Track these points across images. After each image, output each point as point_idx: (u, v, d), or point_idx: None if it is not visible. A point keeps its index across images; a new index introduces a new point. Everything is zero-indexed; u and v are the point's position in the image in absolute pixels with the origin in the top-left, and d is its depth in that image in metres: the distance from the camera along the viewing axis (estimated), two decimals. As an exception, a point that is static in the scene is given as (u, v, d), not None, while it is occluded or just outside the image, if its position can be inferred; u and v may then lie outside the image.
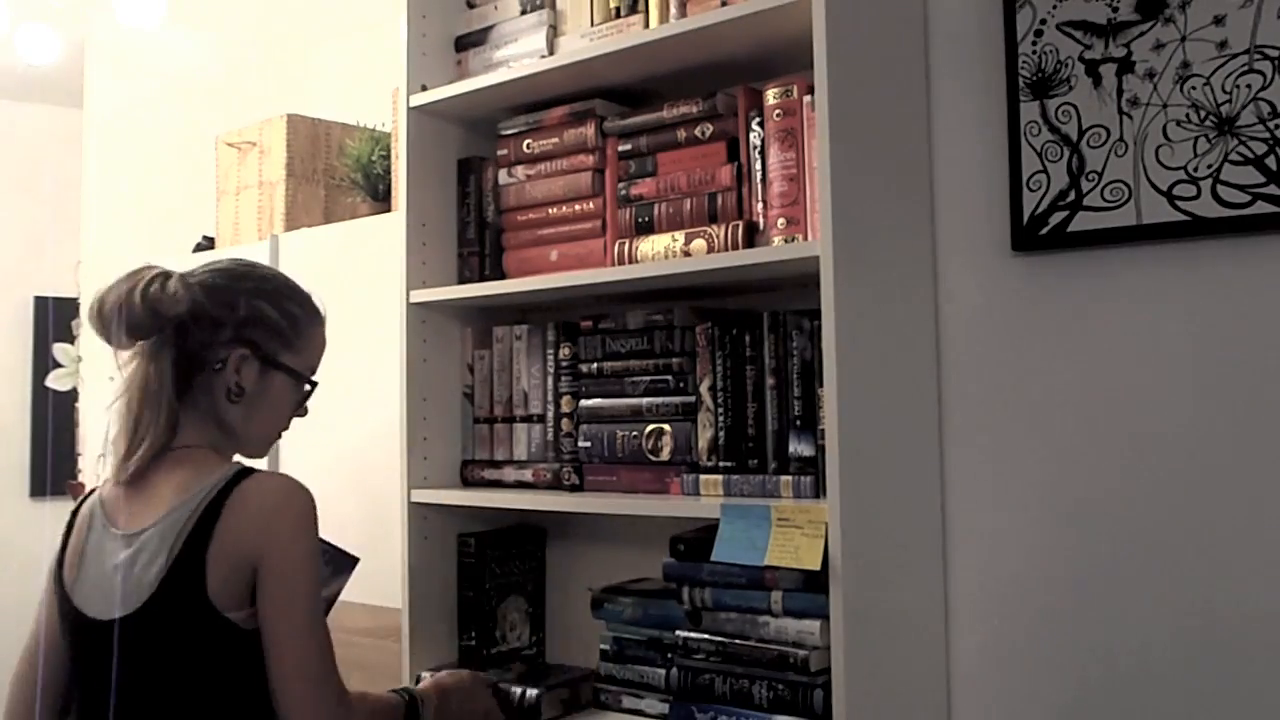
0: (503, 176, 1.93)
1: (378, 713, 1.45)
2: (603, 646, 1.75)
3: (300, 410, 1.52)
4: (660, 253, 1.68)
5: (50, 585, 1.43)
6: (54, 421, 4.32)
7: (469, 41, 1.98)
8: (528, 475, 1.86)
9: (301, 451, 2.33)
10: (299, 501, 1.34)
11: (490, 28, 1.95)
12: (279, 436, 1.53)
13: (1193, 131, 1.43)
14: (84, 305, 3.54)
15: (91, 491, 1.48)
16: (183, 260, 2.77)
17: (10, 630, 4.33)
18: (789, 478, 1.57)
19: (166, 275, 1.40)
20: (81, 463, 3.50)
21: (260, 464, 1.44)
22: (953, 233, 1.63)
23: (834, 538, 1.38)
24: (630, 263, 1.71)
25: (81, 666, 1.38)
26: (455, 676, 1.64)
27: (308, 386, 1.51)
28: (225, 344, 1.42)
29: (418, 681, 1.73)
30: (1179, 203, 1.43)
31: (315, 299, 1.54)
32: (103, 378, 3.29)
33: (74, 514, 1.46)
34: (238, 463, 1.41)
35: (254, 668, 1.30)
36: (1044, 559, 1.54)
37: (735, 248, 1.60)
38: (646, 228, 1.72)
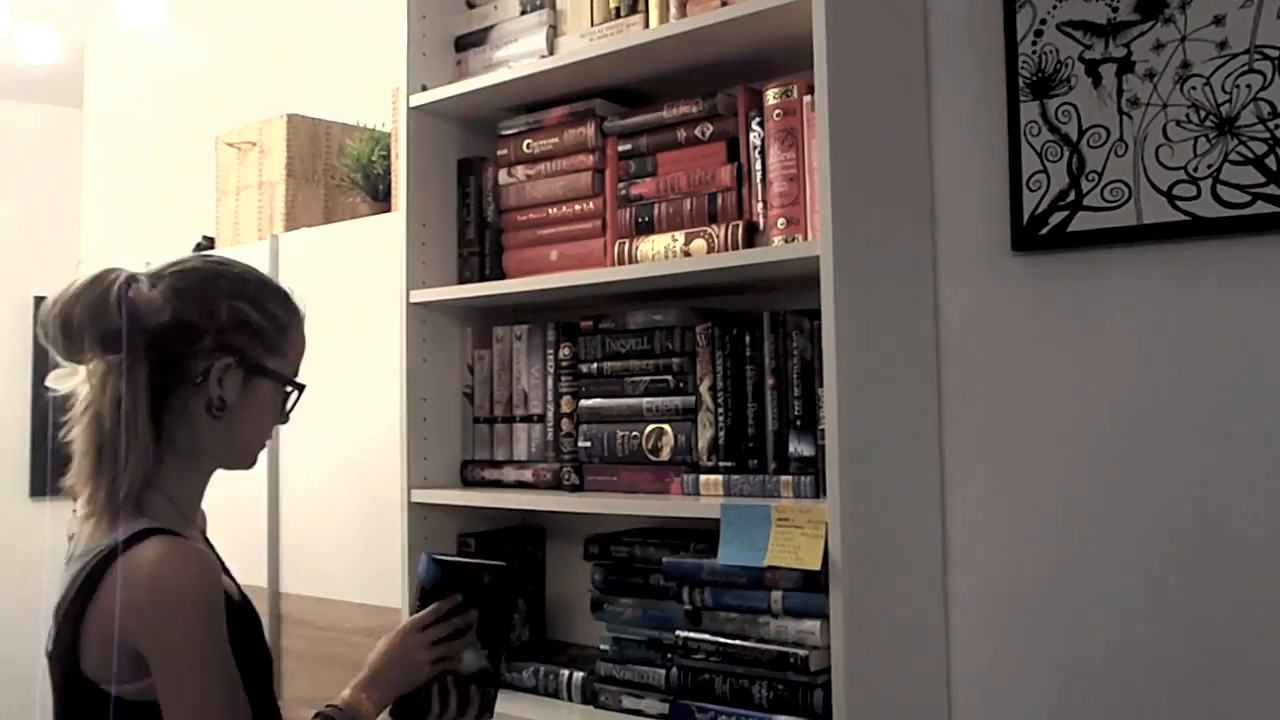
0: (503, 176, 1.93)
1: None
2: (602, 646, 1.75)
3: (283, 417, 1.38)
4: (660, 253, 1.68)
5: None
6: (54, 421, 4.31)
7: (469, 41, 1.98)
8: (528, 475, 1.86)
9: (302, 452, 2.34)
10: (173, 586, 1.17)
11: (490, 28, 1.95)
12: (264, 447, 1.40)
13: (1193, 131, 1.43)
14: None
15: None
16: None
17: (10, 630, 4.35)
18: (789, 478, 1.57)
19: (134, 278, 1.27)
20: (81, 463, 3.50)
21: (261, 465, 1.41)
22: (953, 233, 1.63)
23: (834, 538, 1.38)
24: (630, 263, 1.71)
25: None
26: (385, 645, 1.41)
27: (293, 391, 1.37)
28: (206, 353, 1.28)
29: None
30: (1179, 203, 1.43)
31: (294, 295, 1.40)
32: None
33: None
34: (137, 525, 1.22)
35: None
36: (1044, 558, 1.54)
37: (735, 248, 1.60)
38: (646, 228, 1.72)
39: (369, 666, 1.39)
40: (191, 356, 1.27)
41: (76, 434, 1.27)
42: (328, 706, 1.33)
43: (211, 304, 1.30)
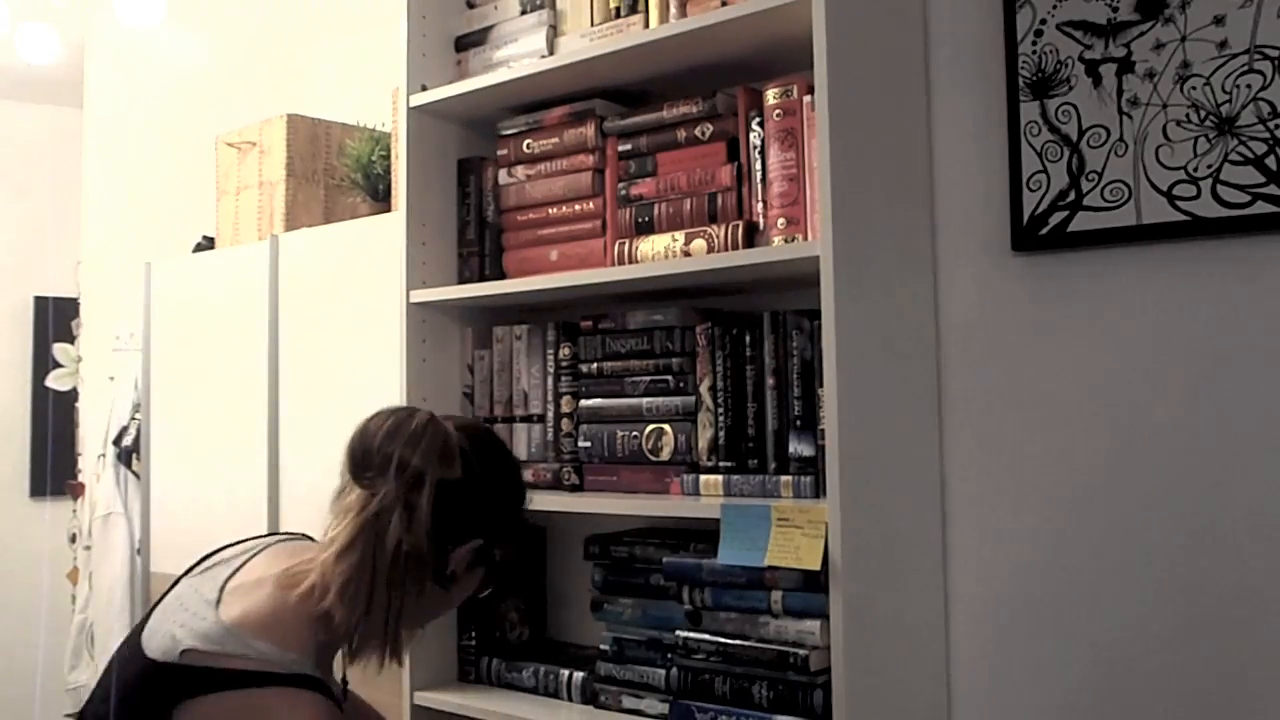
0: (503, 176, 1.93)
1: None
2: (602, 647, 1.75)
3: (466, 604, 1.42)
4: (660, 253, 1.68)
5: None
6: (54, 421, 4.32)
7: (469, 41, 1.98)
8: (528, 475, 1.86)
9: (302, 451, 2.33)
10: None
11: (490, 28, 1.95)
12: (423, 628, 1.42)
13: (1193, 131, 1.43)
14: (84, 307, 3.55)
15: (278, 540, 1.40)
16: (183, 260, 2.78)
17: (11, 630, 4.34)
18: (789, 478, 1.57)
19: (451, 431, 1.31)
20: (81, 463, 3.50)
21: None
22: (953, 233, 1.63)
23: (834, 538, 1.38)
24: (630, 263, 1.71)
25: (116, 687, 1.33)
26: None
27: (489, 589, 1.40)
28: (471, 525, 1.32)
29: None
30: (1179, 203, 1.43)
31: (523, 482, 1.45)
32: (103, 378, 3.30)
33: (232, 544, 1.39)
34: (301, 667, 1.23)
35: None
36: (1044, 558, 1.54)
37: (735, 248, 1.60)
38: (646, 228, 1.72)
39: None
40: (466, 524, 1.32)
41: (345, 563, 1.26)
42: None
43: (496, 484, 1.35)
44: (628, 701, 1.70)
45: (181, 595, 1.32)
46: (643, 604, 1.72)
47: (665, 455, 1.70)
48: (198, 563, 1.38)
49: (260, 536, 1.42)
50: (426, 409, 1.34)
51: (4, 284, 4.55)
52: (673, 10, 1.69)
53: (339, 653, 1.34)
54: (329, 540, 1.29)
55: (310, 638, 1.26)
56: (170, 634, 1.25)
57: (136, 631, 1.31)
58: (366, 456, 1.29)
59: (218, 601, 1.27)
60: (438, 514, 1.27)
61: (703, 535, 1.66)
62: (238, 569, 1.33)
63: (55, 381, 4.24)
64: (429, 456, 1.27)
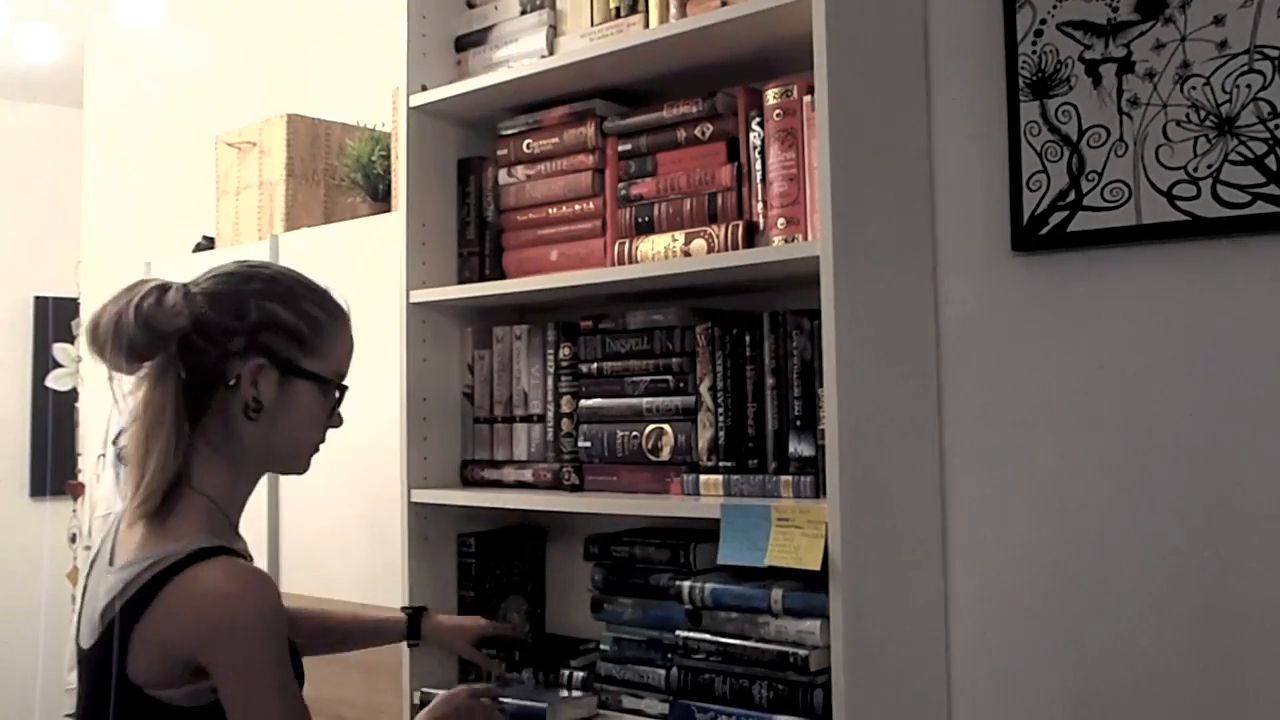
0: (503, 176, 1.93)
1: None
2: (603, 647, 1.75)
3: (334, 419, 1.39)
4: (660, 253, 1.68)
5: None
6: (54, 421, 4.31)
7: (469, 41, 1.98)
8: (528, 475, 1.86)
9: (301, 451, 2.33)
10: (245, 613, 1.19)
11: (490, 28, 1.95)
12: (316, 449, 1.39)
13: (1193, 131, 1.43)
14: (84, 307, 3.54)
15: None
16: (183, 260, 2.78)
17: (11, 629, 4.33)
18: (789, 478, 1.57)
19: (164, 288, 1.27)
20: (81, 463, 3.50)
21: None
22: (953, 233, 1.63)
23: (834, 538, 1.38)
24: (630, 263, 1.71)
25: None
26: (446, 703, 1.52)
27: (337, 392, 1.37)
28: (237, 355, 1.28)
29: (421, 705, 1.70)
30: (1179, 203, 1.43)
31: (335, 295, 1.40)
32: (102, 378, 3.30)
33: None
34: (196, 543, 1.23)
35: None
36: (1044, 558, 1.54)
37: (735, 248, 1.60)
38: (646, 228, 1.72)
39: (432, 711, 1.50)
40: (223, 359, 1.28)
41: (126, 444, 1.29)
42: None
43: (240, 305, 1.30)
44: (628, 701, 1.70)
45: (89, 589, 1.33)
46: (643, 604, 1.72)
47: (665, 455, 1.70)
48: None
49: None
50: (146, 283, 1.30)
51: (4, 284, 4.55)
52: (673, 10, 1.69)
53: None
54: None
55: (189, 522, 1.26)
56: (91, 617, 1.26)
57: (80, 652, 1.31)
58: (96, 351, 1.29)
59: (112, 561, 1.29)
60: (169, 370, 1.27)
61: (703, 535, 1.66)
62: (114, 545, 1.33)
63: (55, 381, 4.24)
64: (116, 326, 1.25)
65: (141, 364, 1.27)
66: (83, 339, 1.30)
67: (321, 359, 1.35)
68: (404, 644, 1.81)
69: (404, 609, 1.76)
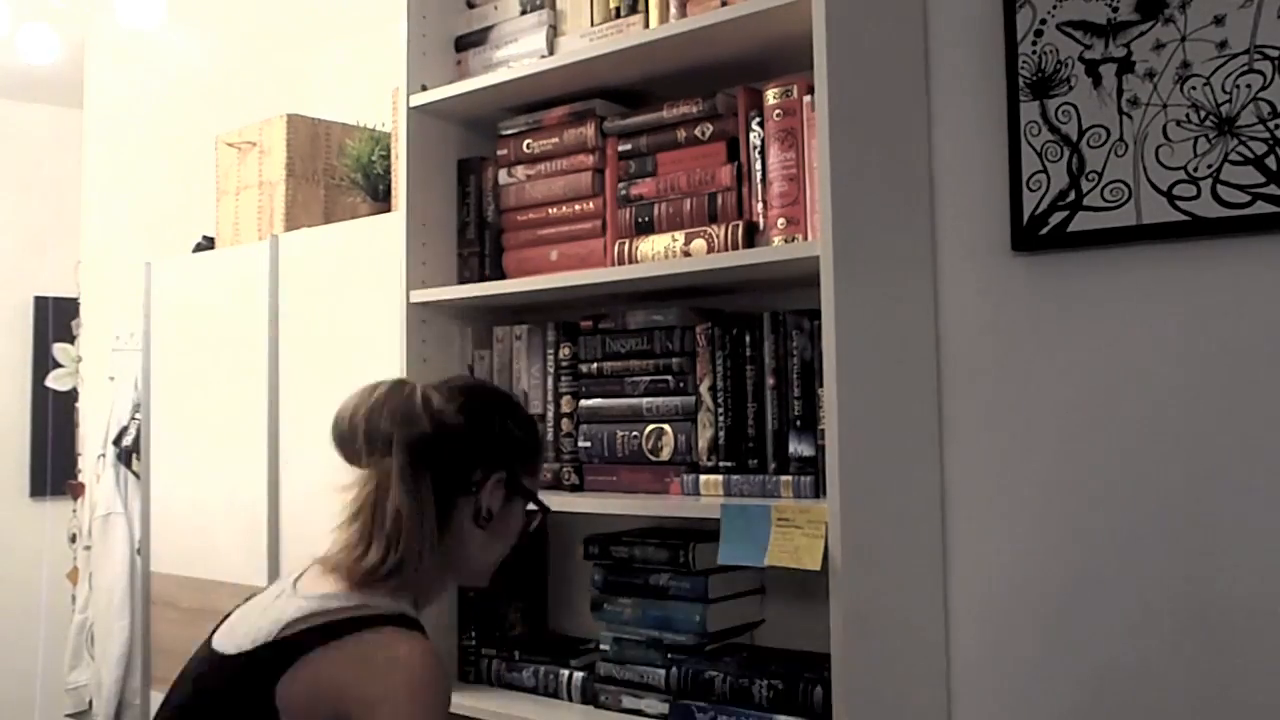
0: (503, 176, 1.93)
1: None
2: (602, 647, 1.75)
3: (525, 537, 1.45)
4: (660, 253, 1.68)
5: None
6: (54, 421, 4.32)
7: (469, 41, 1.98)
8: (528, 475, 1.86)
9: (302, 451, 2.33)
10: (420, 688, 1.21)
11: (490, 28, 1.95)
12: (498, 565, 1.45)
13: (1193, 131, 1.43)
14: (84, 307, 3.54)
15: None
16: (183, 260, 2.78)
17: (11, 630, 4.33)
18: (789, 478, 1.57)
19: (427, 390, 1.36)
20: (81, 463, 3.50)
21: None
22: (953, 233, 1.63)
23: (834, 538, 1.38)
24: (630, 263, 1.71)
25: (180, 685, 1.34)
26: None
27: (538, 512, 1.45)
28: (484, 466, 1.37)
29: None
30: (1179, 203, 1.43)
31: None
32: (103, 378, 3.30)
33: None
34: (401, 609, 1.29)
35: None
36: (1044, 558, 1.54)
37: (735, 248, 1.60)
38: (646, 228, 1.72)
39: None
40: (471, 468, 1.36)
41: (345, 534, 1.32)
42: None
43: (492, 421, 1.40)
44: (627, 701, 1.70)
45: (250, 607, 1.33)
46: (643, 604, 1.72)
47: (665, 455, 1.70)
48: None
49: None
50: (395, 377, 1.40)
51: (4, 284, 4.55)
52: (673, 10, 1.69)
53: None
54: (339, 528, 1.34)
55: (394, 596, 1.31)
56: (257, 626, 1.26)
57: (203, 655, 1.31)
58: (343, 438, 1.35)
59: (296, 589, 1.31)
60: (430, 467, 1.32)
61: (703, 535, 1.66)
62: (296, 578, 1.35)
63: (55, 381, 4.24)
64: (394, 420, 1.32)
65: (393, 458, 1.31)
66: (341, 426, 1.36)
67: (534, 479, 1.46)
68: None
69: None
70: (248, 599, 1.38)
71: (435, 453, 1.33)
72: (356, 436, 1.34)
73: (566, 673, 1.79)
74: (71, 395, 3.75)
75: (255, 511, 2.40)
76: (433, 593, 1.40)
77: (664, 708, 1.62)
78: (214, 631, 1.34)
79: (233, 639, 1.28)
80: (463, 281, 1.96)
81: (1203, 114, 1.42)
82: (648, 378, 1.74)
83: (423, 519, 1.31)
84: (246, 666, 1.24)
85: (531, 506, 1.45)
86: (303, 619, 1.24)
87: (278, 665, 1.22)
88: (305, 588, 1.31)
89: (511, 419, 1.43)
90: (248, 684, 1.23)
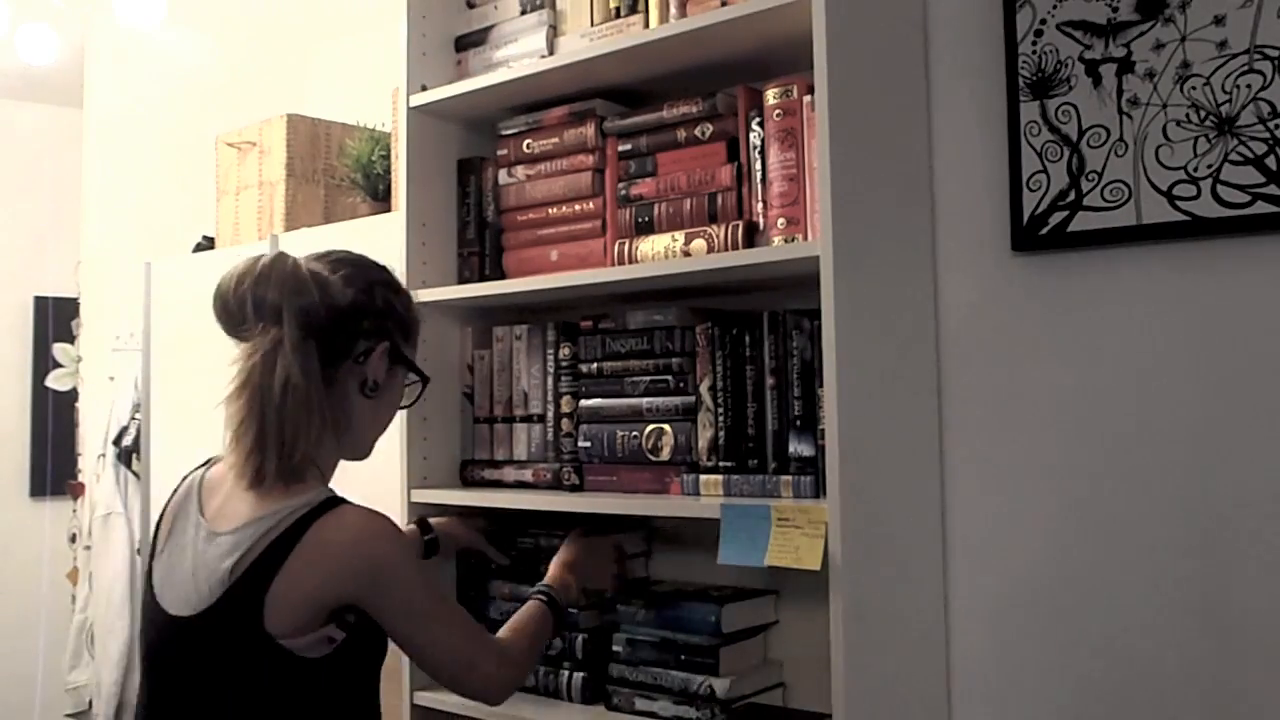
0: (503, 176, 1.93)
1: (533, 634, 1.49)
2: (615, 648, 1.74)
3: (403, 406, 1.51)
4: (660, 253, 1.68)
5: (145, 557, 1.43)
6: (54, 421, 4.32)
7: (469, 41, 1.98)
8: (528, 475, 1.86)
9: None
10: (383, 541, 1.30)
11: (490, 28, 1.95)
12: (380, 437, 1.50)
13: (1193, 131, 1.43)
14: (84, 307, 3.54)
15: (203, 465, 1.45)
16: (183, 260, 2.78)
17: (11, 630, 4.32)
18: (789, 478, 1.57)
19: (300, 260, 1.37)
20: (81, 463, 3.50)
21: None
22: (953, 233, 1.63)
23: (834, 538, 1.38)
24: (630, 263, 1.71)
25: (150, 657, 1.36)
26: (584, 547, 1.69)
27: (419, 382, 1.49)
28: (367, 335, 1.39)
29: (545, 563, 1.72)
30: (1179, 203, 1.43)
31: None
32: (103, 378, 3.30)
33: (176, 489, 1.44)
34: (326, 490, 1.35)
35: (306, 692, 1.27)
36: (1044, 558, 1.54)
37: (735, 248, 1.60)
38: (646, 228, 1.72)
39: (564, 560, 1.65)
40: (356, 337, 1.38)
41: (234, 409, 1.34)
42: (543, 585, 1.58)
43: (372, 291, 1.41)
44: (640, 704, 1.69)
45: (174, 557, 1.35)
46: (654, 605, 1.71)
47: (665, 455, 1.70)
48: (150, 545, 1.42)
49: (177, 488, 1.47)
50: (275, 252, 1.41)
51: (4, 284, 4.55)
52: (673, 10, 1.69)
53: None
54: (226, 400, 1.36)
55: (309, 484, 1.33)
56: (201, 579, 1.29)
57: (163, 621, 1.32)
58: (228, 311, 1.35)
59: (214, 525, 1.33)
60: (317, 337, 1.34)
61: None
62: (200, 506, 1.37)
63: (55, 381, 4.24)
64: (282, 290, 1.33)
65: (279, 329, 1.32)
66: (224, 298, 1.35)
67: (414, 349, 1.48)
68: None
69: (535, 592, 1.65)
70: (157, 547, 1.39)
71: (323, 323, 1.34)
72: (244, 307, 1.33)
73: (567, 673, 1.79)
74: (71, 395, 3.75)
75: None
76: (330, 468, 1.41)
77: (677, 710, 1.62)
78: (151, 589, 1.36)
79: (180, 596, 1.30)
80: (463, 281, 1.96)
81: (1203, 114, 1.42)
82: (648, 378, 1.73)
83: (311, 389, 1.32)
84: (220, 620, 1.26)
85: (413, 377, 1.48)
86: (245, 552, 1.27)
87: (252, 603, 1.24)
88: (227, 520, 1.32)
89: (393, 291, 1.45)
90: (228, 637, 1.26)
